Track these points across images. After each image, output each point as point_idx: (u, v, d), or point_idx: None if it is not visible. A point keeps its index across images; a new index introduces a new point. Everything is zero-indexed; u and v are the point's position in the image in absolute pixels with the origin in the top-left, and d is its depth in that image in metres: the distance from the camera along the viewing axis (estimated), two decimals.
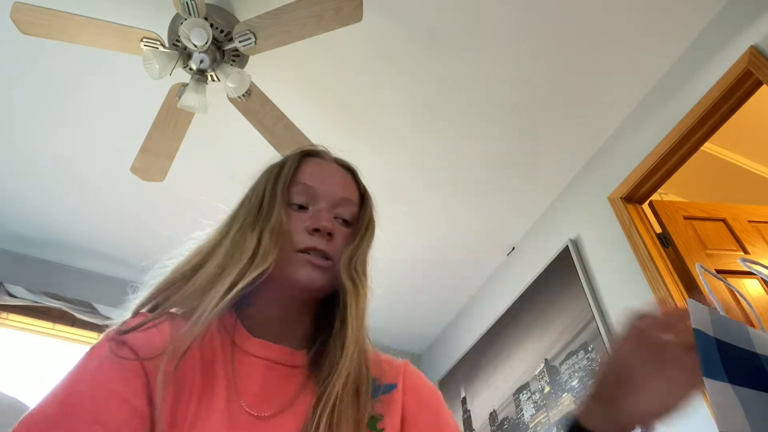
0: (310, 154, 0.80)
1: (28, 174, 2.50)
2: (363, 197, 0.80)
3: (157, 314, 0.63)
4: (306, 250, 0.69)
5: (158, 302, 0.66)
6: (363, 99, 2.27)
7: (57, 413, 0.53)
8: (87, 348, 0.62)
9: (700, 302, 0.49)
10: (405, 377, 0.73)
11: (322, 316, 0.73)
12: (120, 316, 0.66)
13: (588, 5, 1.99)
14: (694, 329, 0.46)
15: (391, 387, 0.71)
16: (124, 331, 0.60)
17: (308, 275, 0.68)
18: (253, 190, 0.76)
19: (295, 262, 0.68)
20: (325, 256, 0.69)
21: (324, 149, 0.82)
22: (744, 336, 0.48)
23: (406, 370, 0.75)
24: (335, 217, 0.73)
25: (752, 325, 1.91)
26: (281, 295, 0.70)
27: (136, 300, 0.67)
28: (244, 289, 0.64)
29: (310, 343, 0.71)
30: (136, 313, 0.65)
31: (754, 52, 1.84)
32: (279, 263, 0.67)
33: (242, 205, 0.75)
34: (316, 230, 0.70)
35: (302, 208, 0.73)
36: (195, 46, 1.77)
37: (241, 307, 0.70)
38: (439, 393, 0.77)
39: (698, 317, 0.48)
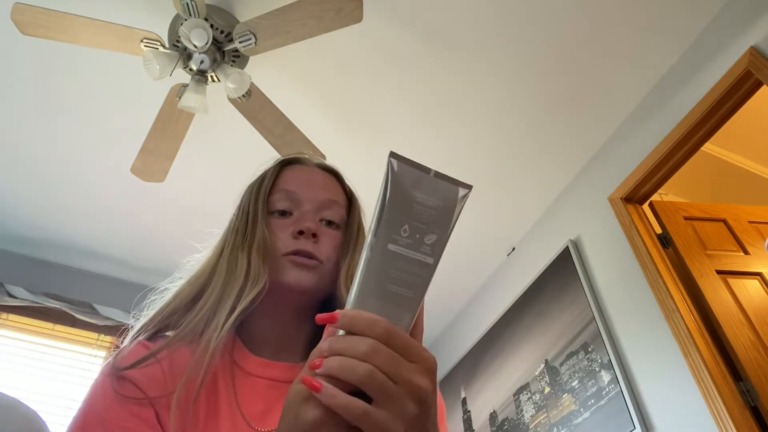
0: (290, 162, 0.79)
1: (29, 175, 2.50)
2: (350, 200, 0.78)
3: (157, 350, 0.61)
4: (291, 254, 0.68)
5: (160, 328, 0.65)
6: (363, 99, 2.27)
7: None
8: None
9: None
10: None
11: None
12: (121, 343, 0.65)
13: (588, 6, 1.99)
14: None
15: None
16: (122, 367, 0.59)
17: (296, 276, 0.67)
18: (239, 208, 0.75)
19: (282, 266, 0.68)
20: (311, 256, 0.68)
21: (305, 155, 0.81)
22: None
23: None
24: (321, 220, 0.72)
25: (752, 327, 1.91)
26: (277, 307, 0.69)
27: (137, 324, 0.66)
28: (245, 311, 0.63)
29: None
30: (134, 338, 0.65)
31: (754, 52, 1.84)
32: (269, 273, 0.67)
33: (231, 226, 0.74)
34: (300, 232, 0.69)
35: (286, 213, 0.72)
36: (195, 46, 1.77)
37: (240, 324, 0.69)
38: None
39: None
